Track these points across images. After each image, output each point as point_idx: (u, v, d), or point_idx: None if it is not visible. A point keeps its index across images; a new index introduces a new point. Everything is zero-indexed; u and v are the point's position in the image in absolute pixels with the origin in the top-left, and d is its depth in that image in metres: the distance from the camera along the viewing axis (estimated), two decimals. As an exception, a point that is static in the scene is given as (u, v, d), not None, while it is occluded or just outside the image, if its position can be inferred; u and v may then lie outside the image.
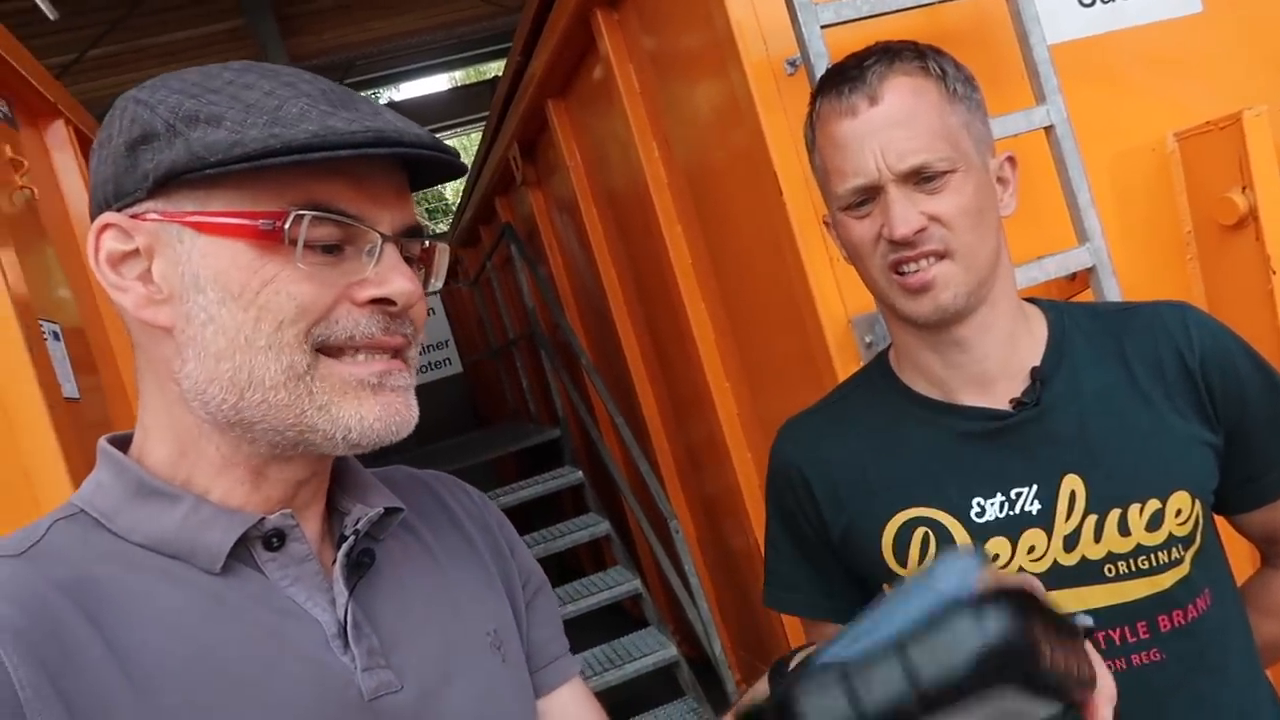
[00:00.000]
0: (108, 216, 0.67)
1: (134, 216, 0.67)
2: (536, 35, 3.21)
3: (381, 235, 0.68)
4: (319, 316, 0.67)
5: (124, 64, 9.31)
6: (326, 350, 0.67)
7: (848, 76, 1.04)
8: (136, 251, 0.67)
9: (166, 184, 0.65)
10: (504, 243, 4.66)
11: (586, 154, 3.48)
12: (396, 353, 0.71)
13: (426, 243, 0.75)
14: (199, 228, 0.66)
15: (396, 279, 0.68)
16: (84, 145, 2.38)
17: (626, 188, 3.05)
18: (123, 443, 0.74)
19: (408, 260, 0.71)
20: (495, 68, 13.86)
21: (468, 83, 14.83)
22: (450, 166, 0.71)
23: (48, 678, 0.58)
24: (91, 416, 1.99)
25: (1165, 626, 1.01)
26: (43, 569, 0.64)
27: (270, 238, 0.65)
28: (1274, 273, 1.82)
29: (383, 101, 14.04)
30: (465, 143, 16.50)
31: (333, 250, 0.67)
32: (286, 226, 0.64)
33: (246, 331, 0.65)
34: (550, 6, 2.95)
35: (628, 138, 2.74)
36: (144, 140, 0.65)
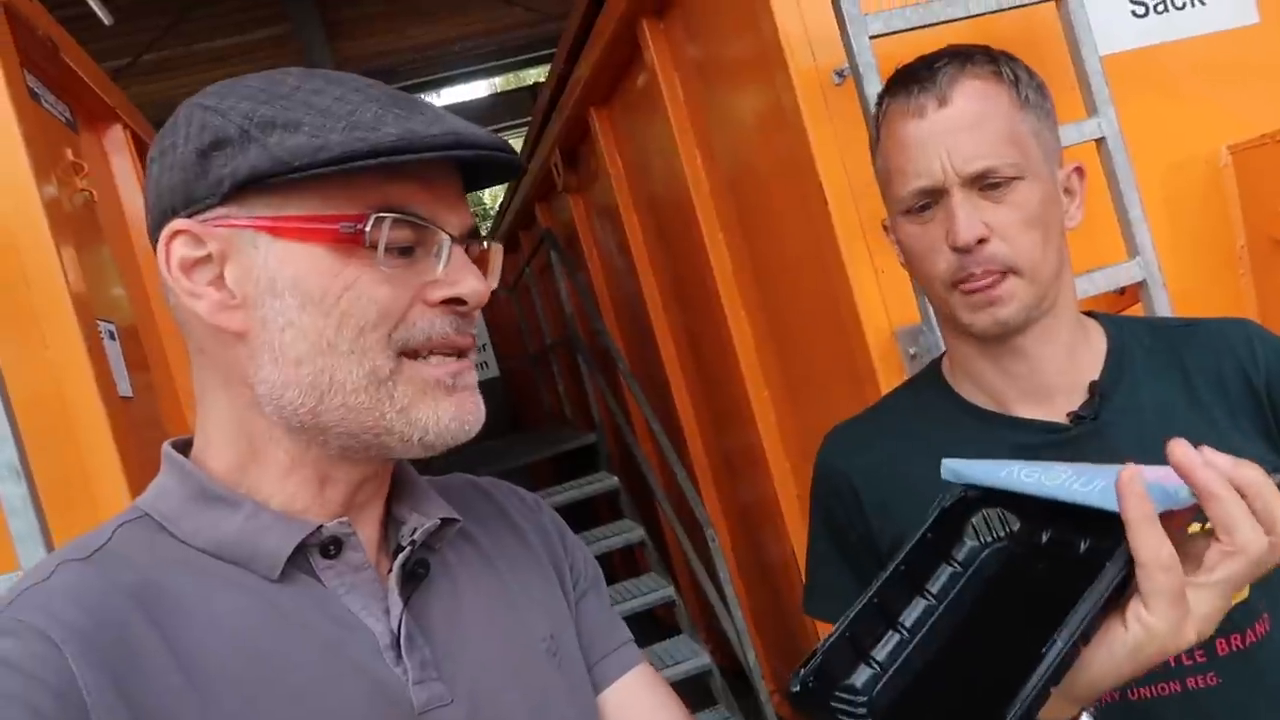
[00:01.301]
0: (179, 223, 0.67)
1: (206, 222, 0.67)
2: (581, 43, 3.24)
3: (450, 236, 0.69)
4: (399, 319, 0.67)
5: (175, 68, 9.49)
6: (406, 353, 0.68)
7: (918, 77, 1.03)
8: (208, 257, 0.67)
9: (242, 189, 0.65)
10: (543, 248, 4.69)
11: (629, 161, 3.49)
12: (462, 353, 0.72)
13: (486, 244, 0.76)
14: (275, 232, 0.66)
15: (468, 279, 0.69)
16: (139, 149, 2.43)
17: (668, 195, 3.06)
18: (184, 446, 0.74)
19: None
20: (535, 74, 13.95)
21: (507, 89, 14.91)
22: (511, 168, 0.72)
23: (113, 682, 0.59)
24: (143, 414, 2.03)
25: (1223, 650, 0.98)
26: (109, 573, 0.65)
27: (350, 241, 0.66)
28: (1329, 289, 1.79)
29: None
30: (504, 148, 16.63)
31: (407, 252, 0.68)
32: (368, 229, 0.65)
33: (329, 336, 0.66)
34: (596, 15, 2.97)
35: (671, 145, 2.75)
36: (216, 146, 0.65)
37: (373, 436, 0.68)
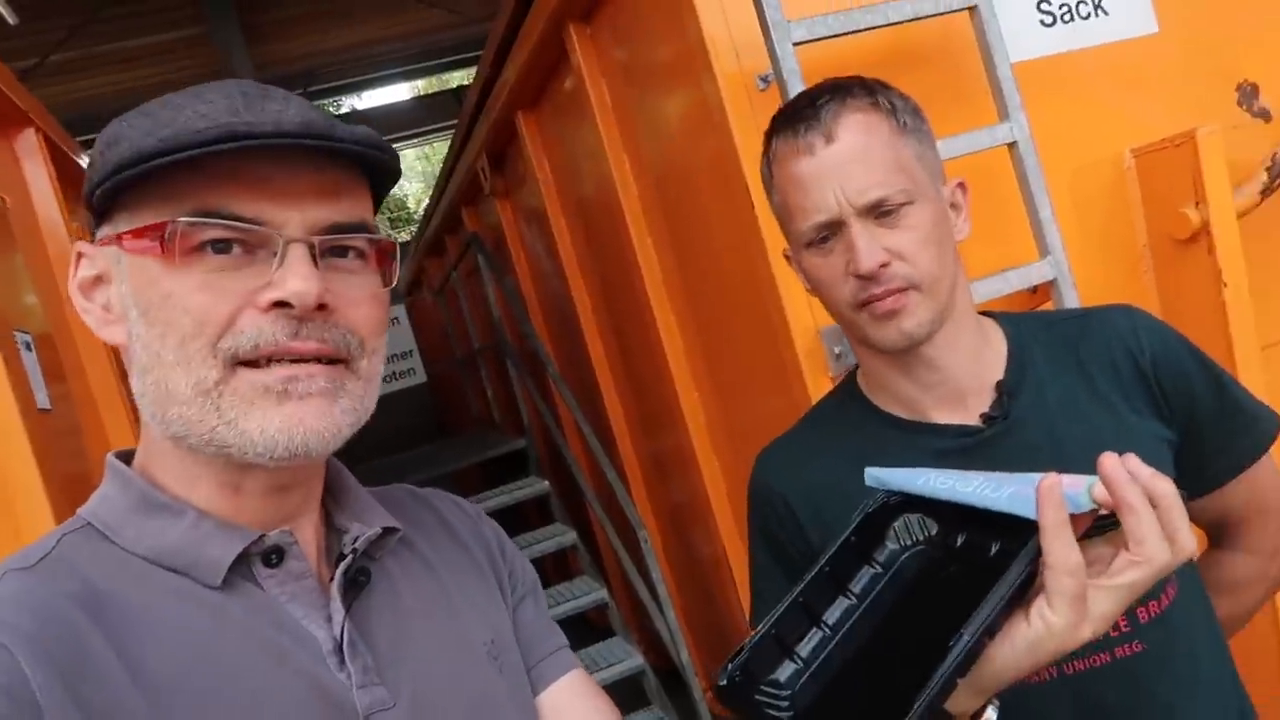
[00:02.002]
0: (79, 245, 0.71)
1: (98, 242, 0.70)
2: (508, 46, 3.23)
3: (282, 236, 0.65)
4: (221, 328, 0.65)
5: (84, 69, 9.19)
6: (243, 362, 0.66)
7: (802, 116, 1.08)
8: (100, 277, 0.71)
9: (105, 208, 0.68)
10: (470, 253, 4.66)
11: (556, 165, 3.50)
12: (330, 361, 0.68)
13: (370, 240, 0.71)
14: (124, 249, 0.68)
15: (290, 279, 0.65)
16: (53, 153, 2.35)
17: (596, 199, 3.07)
18: (129, 456, 0.75)
19: (337, 258, 0.69)
20: (459, 77, 13.85)
21: (430, 92, 14.77)
22: (374, 161, 0.69)
23: (63, 685, 0.59)
24: (62, 425, 1.97)
25: (1144, 618, 1.05)
26: (54, 581, 0.65)
27: (166, 251, 0.65)
28: (1225, 285, 1.89)
29: (344, 110, 13.96)
30: (429, 152, 16.45)
31: (224, 252, 0.65)
32: (167, 236, 0.64)
33: (156, 347, 0.67)
34: (522, 19, 2.97)
35: (599, 149, 2.77)
36: (90, 168, 0.68)
37: (215, 448, 0.67)
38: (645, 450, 3.52)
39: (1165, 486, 0.72)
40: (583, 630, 4.26)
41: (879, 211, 1.04)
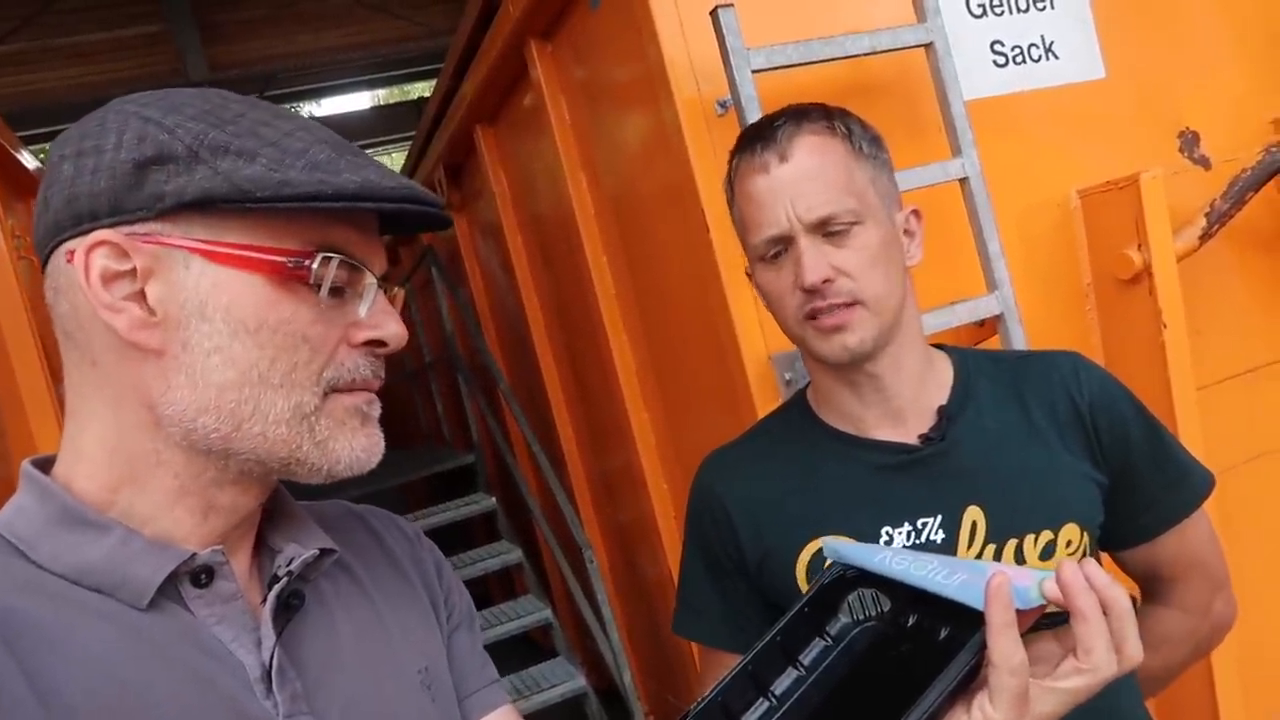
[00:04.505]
0: (105, 234, 0.64)
1: (133, 236, 0.65)
2: (468, 60, 3.22)
3: (377, 280, 0.71)
4: (328, 359, 0.69)
5: (34, 62, 8.98)
6: (333, 390, 0.70)
7: (760, 136, 1.12)
8: (131, 272, 0.65)
9: (180, 209, 0.64)
10: (425, 265, 4.62)
11: (514, 181, 3.48)
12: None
13: (395, 289, 0.78)
14: (211, 257, 0.65)
15: (390, 323, 0.72)
16: (-9, 144, 2.29)
17: (553, 216, 3.06)
18: (45, 465, 0.71)
19: None
20: (421, 88, 13.77)
21: (390, 102, 14.66)
22: (439, 222, 0.74)
23: None
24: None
25: None
26: None
27: (293, 275, 0.67)
28: (1165, 326, 1.93)
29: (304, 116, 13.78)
30: (386, 162, 16.33)
31: (338, 293, 0.69)
32: (314, 266, 0.67)
33: (261, 368, 0.66)
34: (483, 33, 2.96)
35: (556, 167, 2.76)
36: (158, 161, 0.64)
37: (280, 464, 0.69)
38: (594, 469, 3.50)
39: (1119, 595, 0.74)
40: (526, 650, 4.22)
41: (827, 229, 1.08)
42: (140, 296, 0.65)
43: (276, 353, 0.66)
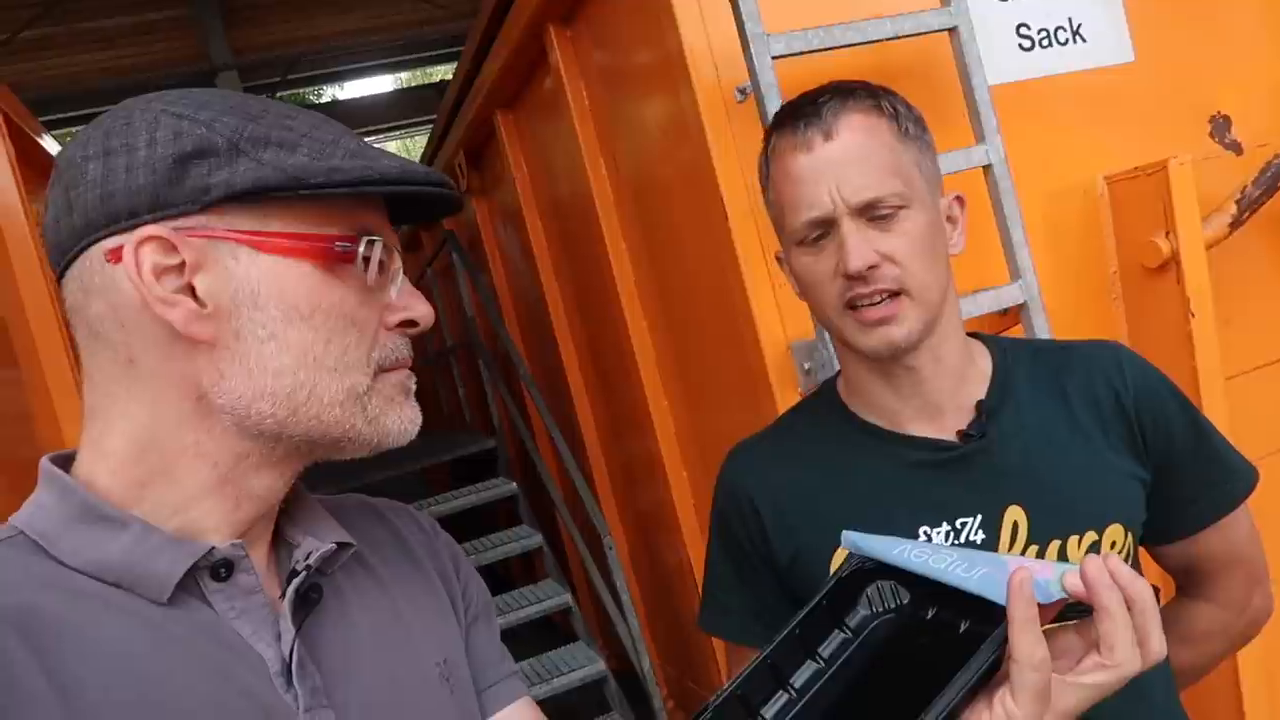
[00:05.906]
0: (154, 229, 0.64)
1: (178, 230, 0.65)
2: (488, 45, 3.21)
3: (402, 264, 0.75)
4: (373, 340, 0.72)
5: (57, 47, 9.04)
6: (380, 369, 0.73)
7: (803, 113, 1.06)
8: (180, 266, 0.65)
9: (225, 201, 0.65)
10: (445, 250, 4.63)
11: (533, 166, 3.48)
12: None
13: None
14: (260, 246, 0.66)
15: (419, 303, 0.75)
16: (13, 132, 2.30)
17: (572, 202, 3.05)
18: (64, 461, 0.71)
19: None
20: (442, 71, 13.76)
21: (413, 85, 14.65)
22: (450, 205, 0.77)
23: None
24: (10, 411, 1.92)
25: None
26: None
27: (341, 259, 0.69)
28: (1193, 315, 1.90)
29: (325, 100, 13.83)
30: (409, 145, 16.32)
31: (381, 274, 0.72)
32: (360, 249, 0.69)
33: (316, 351, 0.68)
34: (503, 18, 2.95)
35: (575, 152, 2.75)
36: (198, 155, 0.65)
37: (332, 442, 0.71)
38: (614, 456, 3.51)
39: (1143, 590, 0.72)
40: (546, 633, 4.24)
41: (873, 213, 1.02)
42: (189, 289, 0.66)
43: (330, 336, 0.68)
